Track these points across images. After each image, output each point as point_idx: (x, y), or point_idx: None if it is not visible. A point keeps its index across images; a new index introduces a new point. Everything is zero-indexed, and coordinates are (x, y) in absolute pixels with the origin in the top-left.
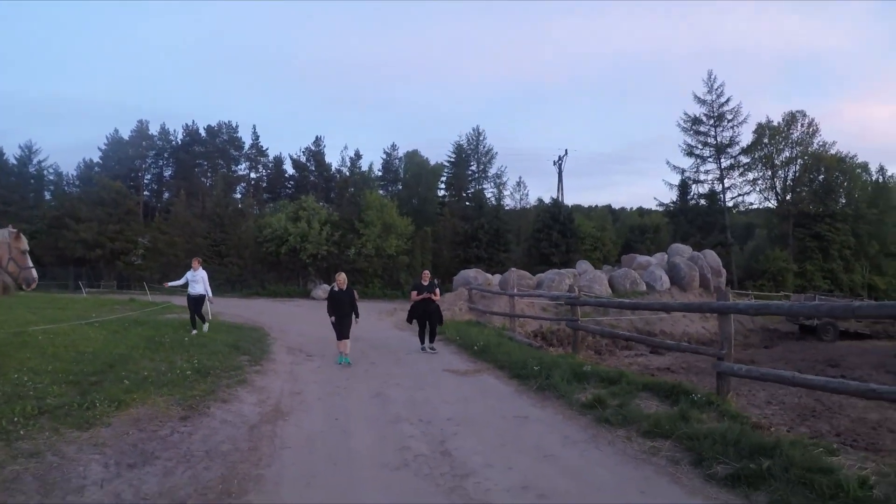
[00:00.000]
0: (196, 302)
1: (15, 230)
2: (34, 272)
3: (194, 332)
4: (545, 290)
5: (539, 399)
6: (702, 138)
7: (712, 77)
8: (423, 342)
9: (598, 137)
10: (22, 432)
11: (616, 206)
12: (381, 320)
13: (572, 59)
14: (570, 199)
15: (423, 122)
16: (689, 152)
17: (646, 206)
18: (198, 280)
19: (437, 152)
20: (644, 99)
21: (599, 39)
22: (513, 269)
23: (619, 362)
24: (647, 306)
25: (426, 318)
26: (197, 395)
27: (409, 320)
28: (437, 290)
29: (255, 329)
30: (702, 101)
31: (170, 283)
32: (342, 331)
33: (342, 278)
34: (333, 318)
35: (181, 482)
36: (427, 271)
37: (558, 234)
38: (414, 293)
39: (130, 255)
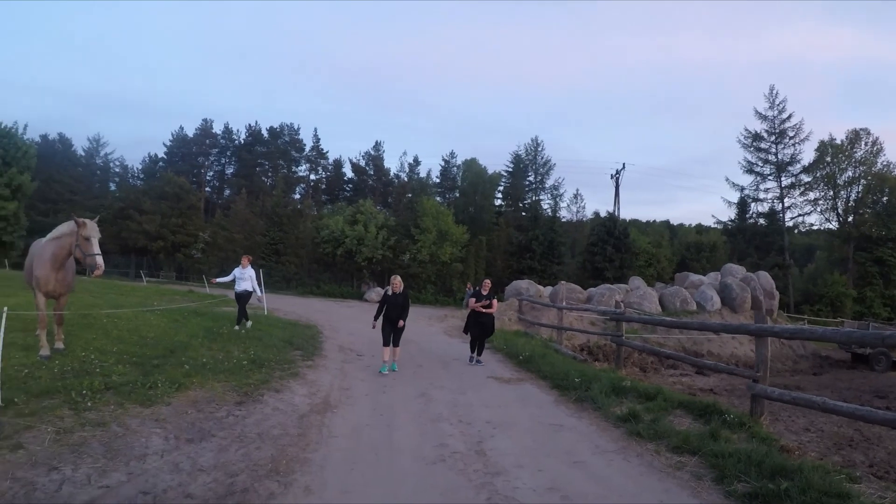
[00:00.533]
0: (241, 298)
1: (81, 219)
2: (99, 259)
3: (249, 323)
4: (595, 304)
5: (576, 409)
6: (762, 155)
7: (774, 92)
8: (472, 352)
9: (657, 151)
10: (89, 404)
11: (675, 221)
12: (431, 325)
13: (633, 72)
14: (627, 214)
15: (481, 131)
16: (749, 169)
17: (705, 223)
18: (245, 277)
19: (496, 161)
20: (706, 113)
21: (661, 51)
22: (562, 282)
23: (662, 380)
24: (685, 325)
25: (479, 330)
26: (252, 384)
27: (466, 331)
28: (495, 301)
29: (308, 326)
30: (763, 117)
31: (217, 279)
32: (393, 337)
33: (398, 281)
34: (379, 321)
35: (234, 458)
36: (488, 280)
37: (613, 248)
38: (472, 300)
39: (191, 248)
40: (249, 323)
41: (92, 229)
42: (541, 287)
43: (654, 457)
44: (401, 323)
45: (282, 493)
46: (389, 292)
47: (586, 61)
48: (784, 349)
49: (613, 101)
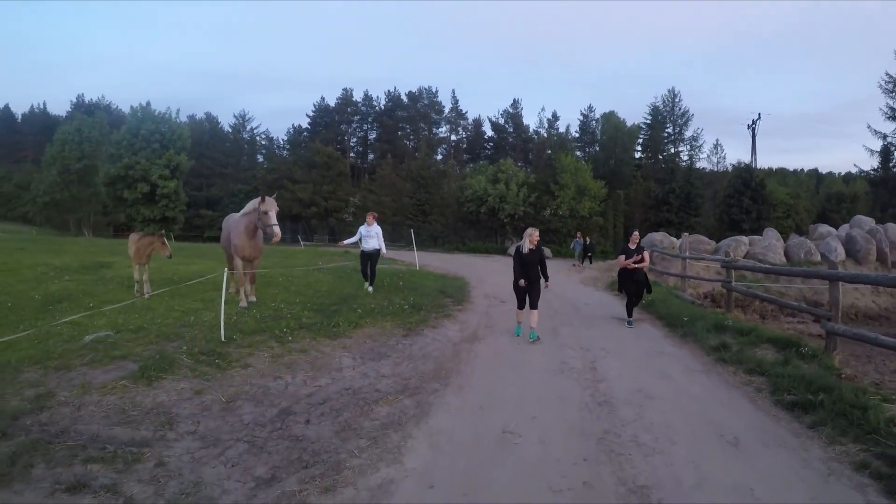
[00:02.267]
0: (370, 257)
1: (262, 196)
2: (276, 229)
3: (370, 287)
4: (721, 255)
5: (679, 342)
6: None
7: None
8: (630, 315)
9: (804, 97)
10: (290, 338)
11: (823, 169)
12: (569, 277)
13: (775, 15)
14: (772, 162)
15: (620, 81)
16: (892, 116)
17: (854, 171)
18: (372, 235)
19: (635, 112)
20: (855, 55)
21: None
22: (685, 233)
23: (778, 326)
24: (774, 271)
25: (635, 288)
26: (413, 322)
27: (620, 289)
28: (646, 254)
29: (456, 278)
30: None
31: (345, 242)
32: (532, 298)
33: (535, 236)
34: (521, 281)
35: (406, 370)
36: (636, 232)
37: (749, 200)
38: (622, 258)
39: (342, 212)
40: (371, 287)
41: (269, 204)
42: (674, 239)
43: (730, 376)
44: (545, 283)
45: (442, 389)
46: (524, 249)
47: (725, 6)
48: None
49: (755, 46)
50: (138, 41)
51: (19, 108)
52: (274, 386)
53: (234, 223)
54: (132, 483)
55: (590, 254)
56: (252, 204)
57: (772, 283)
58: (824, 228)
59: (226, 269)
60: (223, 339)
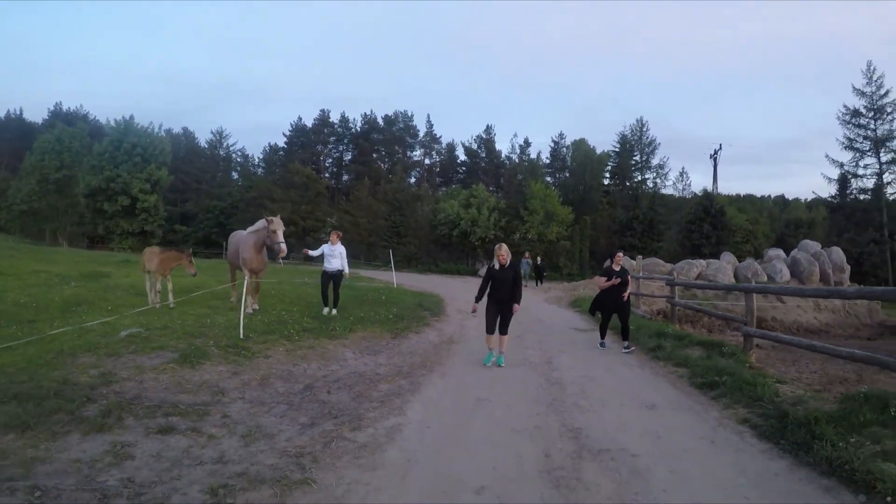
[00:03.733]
0: (332, 277)
1: (269, 217)
2: (283, 245)
3: (326, 310)
4: (674, 276)
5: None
6: (861, 132)
7: (871, 67)
8: (603, 336)
9: (774, 123)
10: (297, 338)
11: (790, 196)
12: (536, 296)
13: (748, 43)
14: (741, 188)
15: (590, 110)
16: (849, 146)
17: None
18: (335, 255)
19: (604, 140)
20: (825, 83)
21: (774, 21)
22: (640, 256)
23: (722, 338)
24: (703, 286)
25: (611, 310)
26: (398, 329)
27: (593, 312)
28: (629, 278)
29: (432, 295)
30: (861, 93)
31: (308, 251)
32: (501, 322)
33: (505, 251)
34: (482, 303)
35: (398, 361)
36: (620, 253)
37: (710, 226)
38: (601, 279)
39: (319, 232)
40: (335, 311)
41: (278, 224)
42: (633, 262)
43: (660, 368)
44: (515, 307)
45: (427, 374)
46: (495, 266)
47: (700, 33)
48: (850, 318)
49: (728, 72)
50: (117, 50)
51: None
52: (295, 370)
53: (243, 239)
54: (209, 427)
55: (544, 273)
56: (261, 223)
57: (721, 301)
58: (774, 252)
59: (245, 277)
60: (241, 336)
